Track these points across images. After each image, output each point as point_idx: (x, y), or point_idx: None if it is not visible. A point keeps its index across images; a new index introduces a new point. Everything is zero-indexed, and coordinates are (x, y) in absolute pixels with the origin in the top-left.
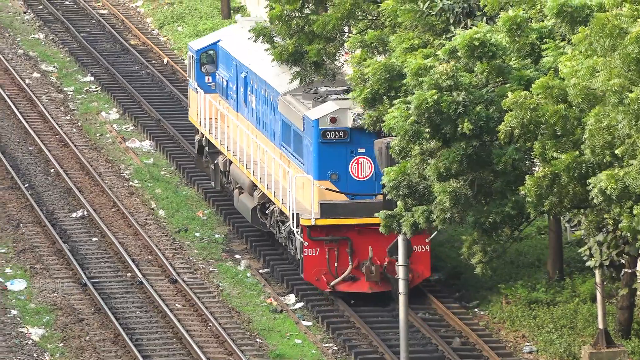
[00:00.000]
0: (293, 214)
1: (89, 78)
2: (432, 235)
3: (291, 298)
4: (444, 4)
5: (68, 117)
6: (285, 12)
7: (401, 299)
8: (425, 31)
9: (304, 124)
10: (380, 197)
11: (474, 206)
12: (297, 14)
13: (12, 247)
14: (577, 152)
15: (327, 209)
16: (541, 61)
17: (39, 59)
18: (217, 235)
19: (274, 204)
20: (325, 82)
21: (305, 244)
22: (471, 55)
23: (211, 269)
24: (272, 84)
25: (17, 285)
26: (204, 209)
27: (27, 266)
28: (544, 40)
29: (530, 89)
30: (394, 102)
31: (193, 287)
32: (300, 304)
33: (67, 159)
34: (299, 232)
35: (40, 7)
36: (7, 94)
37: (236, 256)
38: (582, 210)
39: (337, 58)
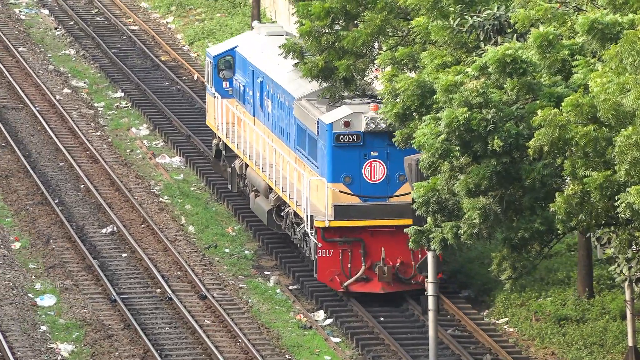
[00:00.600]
0: (307, 216)
1: (120, 94)
2: None
3: (320, 314)
4: (474, 20)
5: (98, 133)
6: (315, 28)
7: (430, 315)
8: (456, 48)
9: (318, 128)
10: (392, 200)
11: (503, 222)
12: (327, 30)
13: (42, 262)
14: (609, 172)
15: (340, 211)
16: (572, 78)
17: (69, 75)
18: (246, 252)
19: (289, 206)
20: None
21: (319, 245)
22: (502, 71)
23: (241, 285)
24: (288, 89)
25: (47, 301)
26: (233, 225)
27: (56, 282)
28: (575, 57)
29: (560, 107)
30: (424, 118)
31: (222, 303)
32: (329, 320)
33: (97, 174)
34: (313, 234)
35: (71, 23)
36: (37, 110)
37: (266, 272)
38: (612, 228)
39: (366, 74)
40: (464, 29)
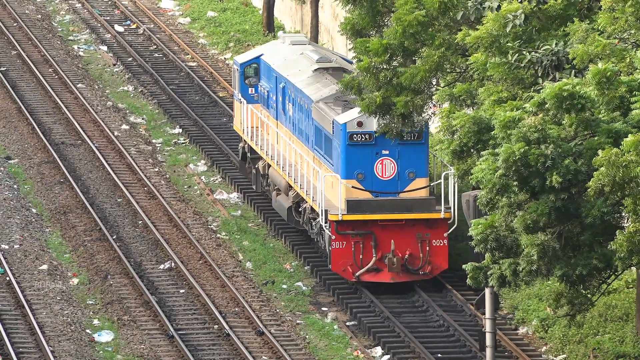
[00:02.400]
0: (322, 210)
1: (178, 130)
2: (450, 231)
3: (378, 351)
4: (532, 56)
5: (156, 169)
6: (373, 64)
7: (488, 353)
8: (513, 84)
9: (333, 128)
10: (402, 195)
11: (561, 259)
12: (385, 66)
13: (100, 298)
14: None
15: (353, 206)
16: (630, 114)
17: (128, 111)
18: (304, 288)
19: (306, 202)
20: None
21: (333, 237)
22: (560, 107)
23: (298, 322)
24: (307, 93)
25: (105, 336)
26: (291, 261)
27: (114, 318)
28: (634, 93)
29: (621, 146)
30: (482, 153)
31: (280, 340)
32: (386, 357)
33: (155, 210)
34: (328, 227)
35: (130, 59)
36: (96, 146)
37: (323, 308)
38: None
39: (424, 110)
40: (522, 65)
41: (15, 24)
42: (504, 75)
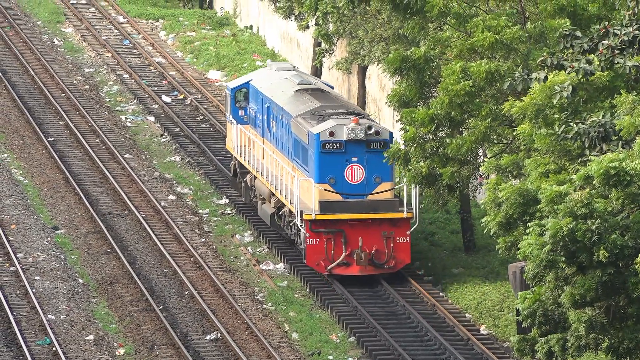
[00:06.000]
0: (298, 211)
1: (224, 201)
2: (412, 229)
3: None
4: (579, 127)
5: (203, 240)
6: (419, 134)
7: None
8: (560, 155)
9: (308, 138)
10: (369, 197)
11: (608, 332)
12: (431, 137)
13: None
14: None
15: (325, 207)
16: None
17: (174, 182)
18: (350, 359)
19: (285, 206)
20: (330, 107)
21: (308, 235)
22: (606, 183)
23: None
24: (287, 110)
25: None
26: (337, 332)
27: None
28: None
29: None
30: (528, 225)
31: None
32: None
33: (201, 281)
34: (303, 226)
35: (177, 129)
36: (142, 216)
37: None
38: None
39: (471, 181)
40: (569, 136)
41: (63, 95)
42: (550, 147)
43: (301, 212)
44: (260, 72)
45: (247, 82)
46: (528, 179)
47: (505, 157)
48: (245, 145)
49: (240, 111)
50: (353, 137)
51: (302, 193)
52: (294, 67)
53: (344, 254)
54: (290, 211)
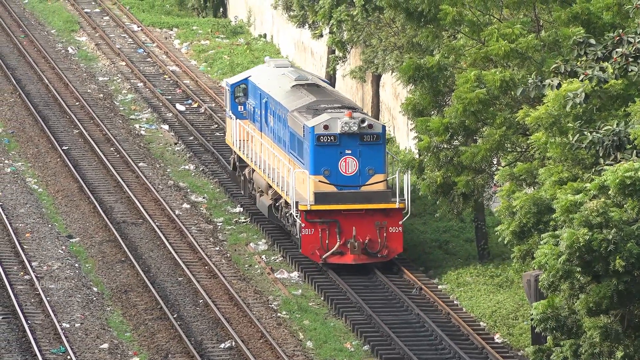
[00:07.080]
0: (293, 202)
1: (238, 209)
2: (404, 219)
3: None
4: (593, 137)
5: (217, 248)
6: (433, 143)
7: None
8: (574, 164)
9: (304, 132)
10: (363, 188)
11: (623, 340)
12: (445, 146)
13: None
14: None
15: (320, 197)
16: None
17: (188, 190)
18: None
19: (282, 198)
20: (325, 101)
21: (303, 225)
22: (622, 192)
23: None
24: (284, 104)
25: None
26: (351, 341)
27: None
28: None
29: None
30: (543, 235)
31: None
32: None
33: (215, 289)
34: (298, 216)
35: (191, 138)
36: (157, 225)
37: None
38: None
39: (485, 190)
40: (583, 145)
41: (77, 103)
42: (564, 156)
43: (297, 203)
44: (258, 69)
45: (246, 78)
46: (542, 187)
47: (519, 166)
48: (244, 140)
49: (239, 106)
50: (347, 130)
51: (298, 185)
52: (291, 63)
53: (338, 243)
54: (286, 202)
